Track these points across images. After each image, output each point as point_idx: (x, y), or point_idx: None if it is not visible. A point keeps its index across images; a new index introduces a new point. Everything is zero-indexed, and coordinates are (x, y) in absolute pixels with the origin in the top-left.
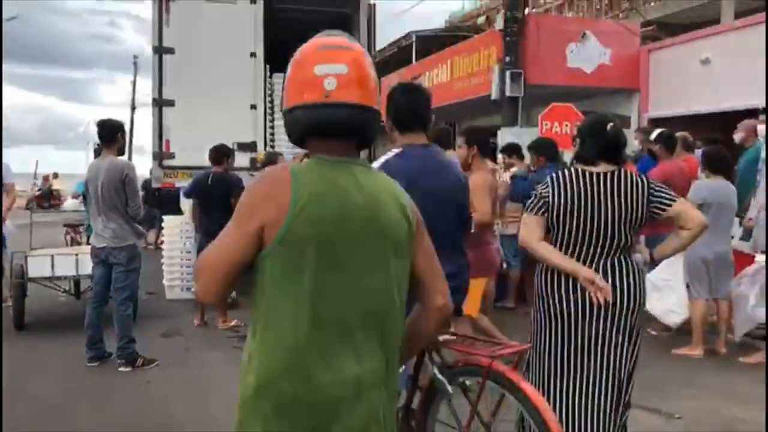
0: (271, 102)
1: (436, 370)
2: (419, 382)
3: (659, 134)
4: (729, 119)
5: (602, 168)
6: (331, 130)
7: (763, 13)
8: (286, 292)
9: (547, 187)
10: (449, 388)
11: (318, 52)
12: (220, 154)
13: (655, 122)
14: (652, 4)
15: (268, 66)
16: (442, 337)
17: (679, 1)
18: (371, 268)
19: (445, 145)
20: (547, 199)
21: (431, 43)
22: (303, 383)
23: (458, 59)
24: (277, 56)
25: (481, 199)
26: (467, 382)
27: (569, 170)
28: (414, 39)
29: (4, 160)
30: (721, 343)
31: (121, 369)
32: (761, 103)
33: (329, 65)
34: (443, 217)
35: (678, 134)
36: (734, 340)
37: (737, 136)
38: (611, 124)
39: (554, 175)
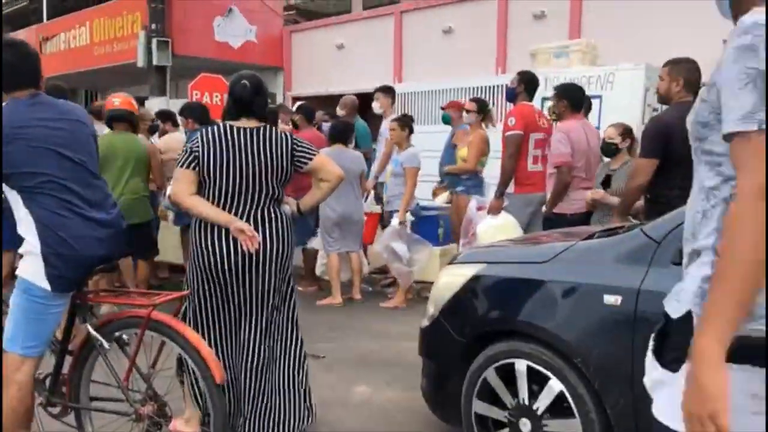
0: None
1: (90, 328)
2: (68, 345)
3: (299, 106)
4: (362, 99)
5: (246, 123)
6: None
7: (388, 6)
8: None
9: (197, 142)
10: (106, 344)
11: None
12: None
13: (298, 100)
14: None
15: None
16: (93, 293)
17: None
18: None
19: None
20: (197, 154)
21: (67, 0)
22: None
23: (99, 22)
24: None
25: None
26: (124, 336)
27: (218, 126)
28: None
29: None
30: (355, 290)
31: None
32: (383, 83)
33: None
34: (79, 161)
35: (318, 112)
36: (368, 289)
37: (340, 112)
38: (243, 81)
39: (204, 130)
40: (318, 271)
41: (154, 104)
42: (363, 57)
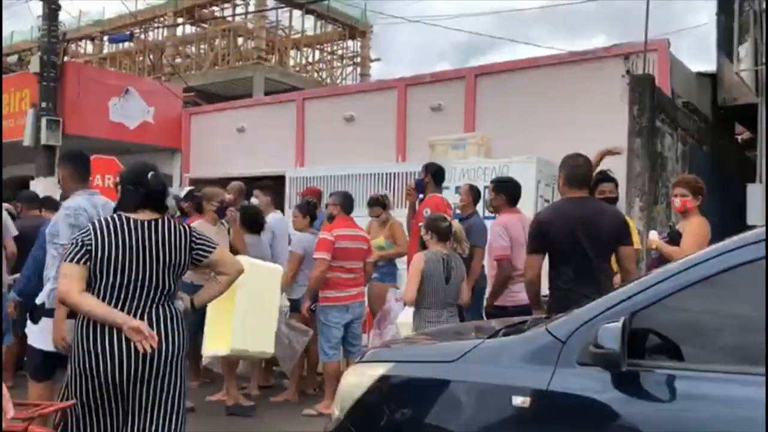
0: None
1: None
2: None
3: (188, 192)
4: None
5: (145, 215)
6: None
7: (291, 93)
8: None
9: (89, 234)
10: None
11: None
12: None
13: (195, 182)
14: (194, 72)
15: None
16: None
17: (217, 72)
18: None
19: None
20: (90, 248)
21: None
22: None
23: None
24: None
25: None
26: None
27: (112, 217)
28: None
29: None
30: (253, 385)
31: None
32: (282, 170)
33: None
34: None
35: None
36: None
37: (227, 197)
38: (152, 172)
39: (96, 222)
40: (205, 361)
41: (41, 185)
42: (264, 141)
